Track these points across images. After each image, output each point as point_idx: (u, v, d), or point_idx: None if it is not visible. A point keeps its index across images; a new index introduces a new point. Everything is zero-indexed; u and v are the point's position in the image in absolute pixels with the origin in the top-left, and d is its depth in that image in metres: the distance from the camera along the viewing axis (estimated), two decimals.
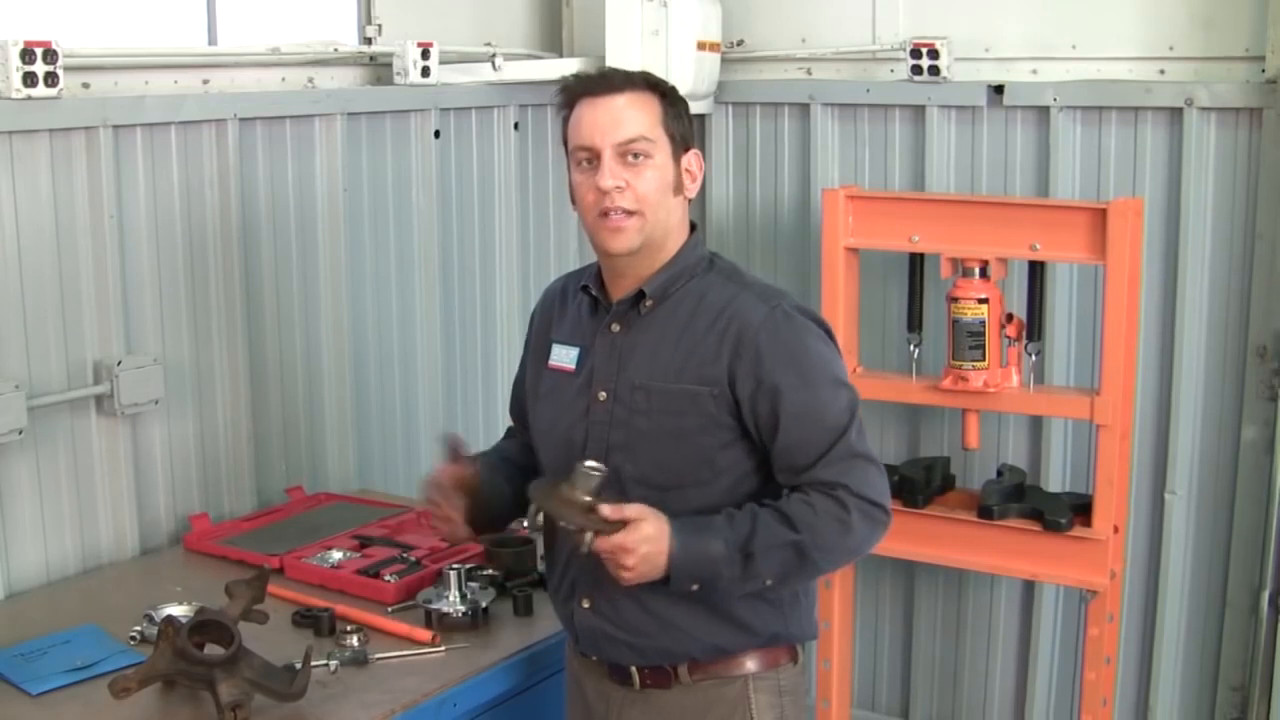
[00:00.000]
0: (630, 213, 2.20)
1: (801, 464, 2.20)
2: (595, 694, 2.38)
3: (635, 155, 2.20)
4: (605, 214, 2.21)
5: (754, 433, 2.22)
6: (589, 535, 2.11)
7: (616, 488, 2.21)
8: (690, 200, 2.32)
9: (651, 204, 2.21)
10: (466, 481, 2.36)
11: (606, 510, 2.12)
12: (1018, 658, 4.02)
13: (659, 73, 3.83)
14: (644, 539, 2.12)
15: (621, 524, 2.11)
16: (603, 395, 2.28)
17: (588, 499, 2.13)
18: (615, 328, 2.30)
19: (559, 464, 2.32)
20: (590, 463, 2.15)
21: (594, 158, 2.21)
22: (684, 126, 2.28)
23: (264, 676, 2.27)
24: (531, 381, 2.45)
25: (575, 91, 2.26)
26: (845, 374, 2.29)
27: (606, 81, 2.25)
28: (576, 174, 2.25)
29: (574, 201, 2.27)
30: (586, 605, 2.31)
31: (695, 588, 2.17)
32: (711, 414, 2.21)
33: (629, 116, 2.21)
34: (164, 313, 3.18)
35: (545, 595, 2.51)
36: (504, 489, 2.45)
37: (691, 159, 2.29)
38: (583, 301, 2.36)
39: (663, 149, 2.23)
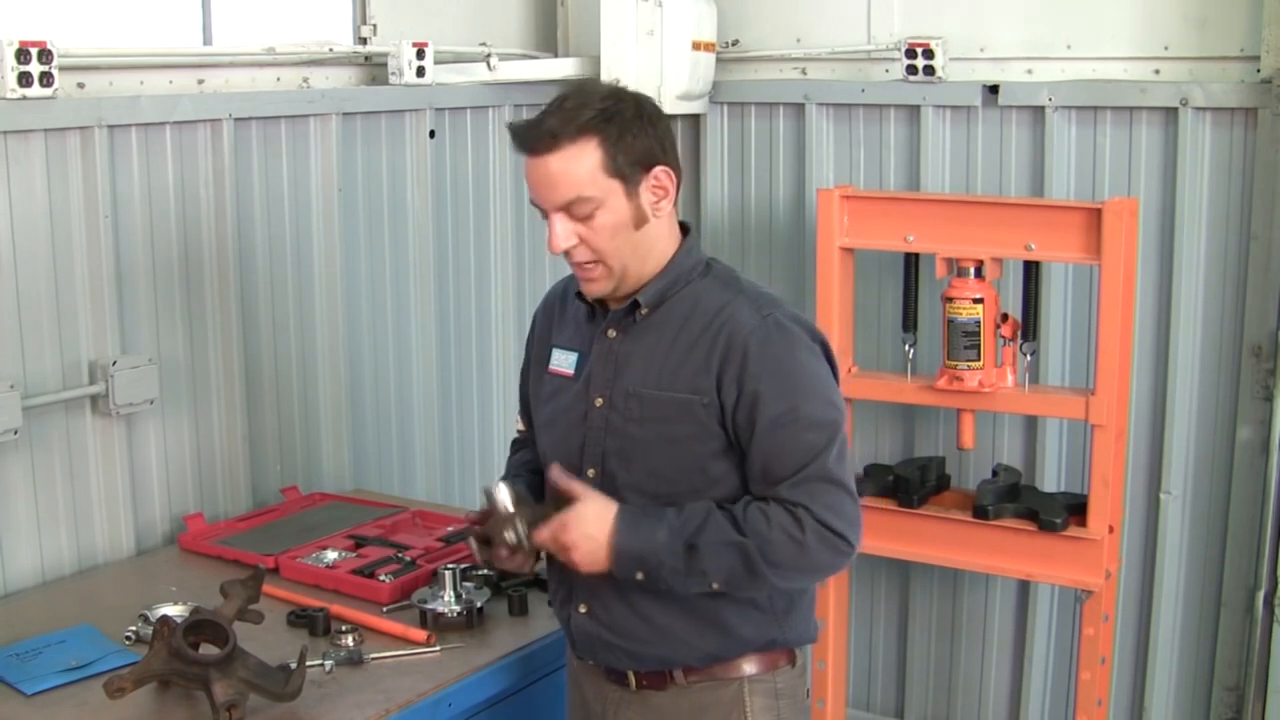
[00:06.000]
0: (594, 263, 2.20)
1: (773, 476, 2.17)
2: (593, 694, 2.39)
3: (580, 213, 2.15)
4: (574, 263, 2.23)
5: (735, 442, 2.20)
6: (523, 530, 2.19)
7: (611, 495, 2.22)
8: (673, 206, 2.25)
9: (609, 251, 2.18)
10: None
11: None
12: (1013, 658, 4.02)
13: (653, 73, 3.89)
14: (579, 517, 2.16)
15: (550, 512, 2.17)
16: (599, 401, 2.27)
17: (509, 510, 2.20)
18: (612, 333, 2.29)
19: (560, 465, 2.33)
20: (493, 485, 2.24)
21: (546, 213, 2.19)
22: (641, 149, 2.15)
23: (259, 676, 2.27)
24: (534, 385, 2.45)
25: (515, 143, 2.19)
26: (836, 394, 2.23)
27: (537, 138, 2.13)
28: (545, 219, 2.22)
29: None
30: (584, 610, 2.31)
31: (640, 576, 2.17)
32: (703, 422, 2.19)
33: (563, 180, 2.12)
34: (159, 313, 3.17)
35: (540, 595, 2.50)
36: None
37: (659, 175, 2.18)
38: (580, 307, 2.35)
39: (611, 193, 2.14)
